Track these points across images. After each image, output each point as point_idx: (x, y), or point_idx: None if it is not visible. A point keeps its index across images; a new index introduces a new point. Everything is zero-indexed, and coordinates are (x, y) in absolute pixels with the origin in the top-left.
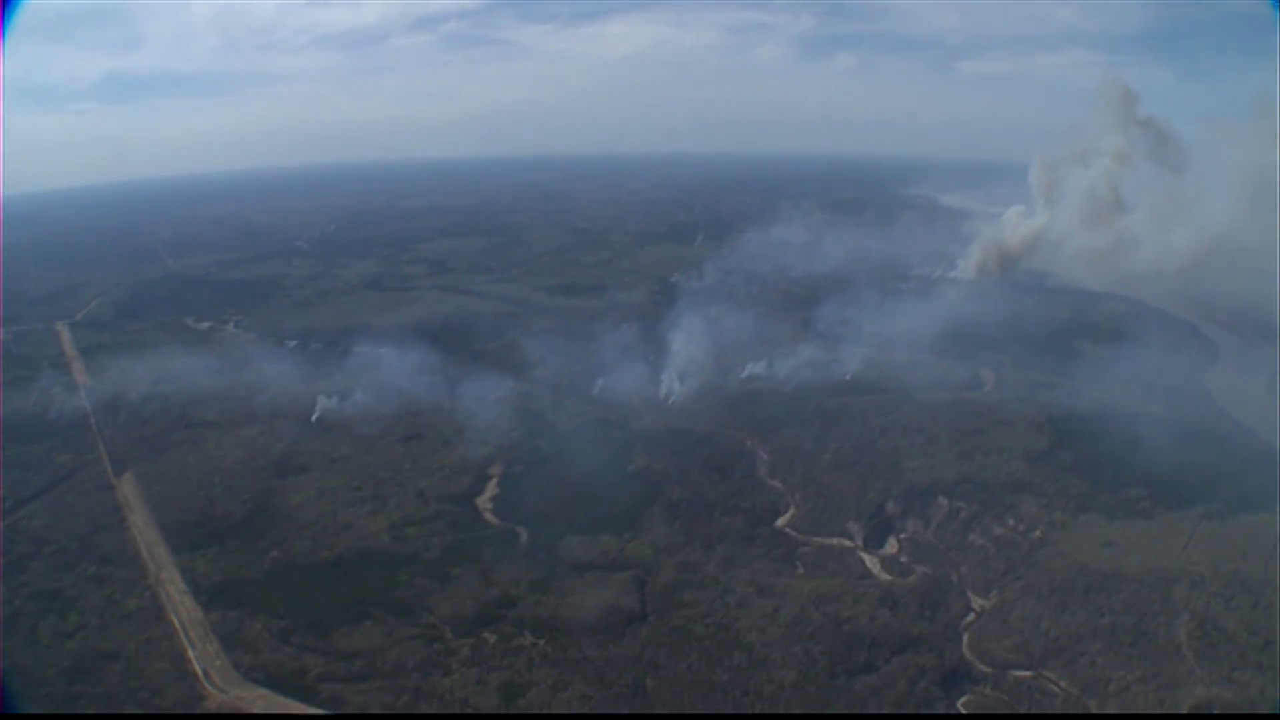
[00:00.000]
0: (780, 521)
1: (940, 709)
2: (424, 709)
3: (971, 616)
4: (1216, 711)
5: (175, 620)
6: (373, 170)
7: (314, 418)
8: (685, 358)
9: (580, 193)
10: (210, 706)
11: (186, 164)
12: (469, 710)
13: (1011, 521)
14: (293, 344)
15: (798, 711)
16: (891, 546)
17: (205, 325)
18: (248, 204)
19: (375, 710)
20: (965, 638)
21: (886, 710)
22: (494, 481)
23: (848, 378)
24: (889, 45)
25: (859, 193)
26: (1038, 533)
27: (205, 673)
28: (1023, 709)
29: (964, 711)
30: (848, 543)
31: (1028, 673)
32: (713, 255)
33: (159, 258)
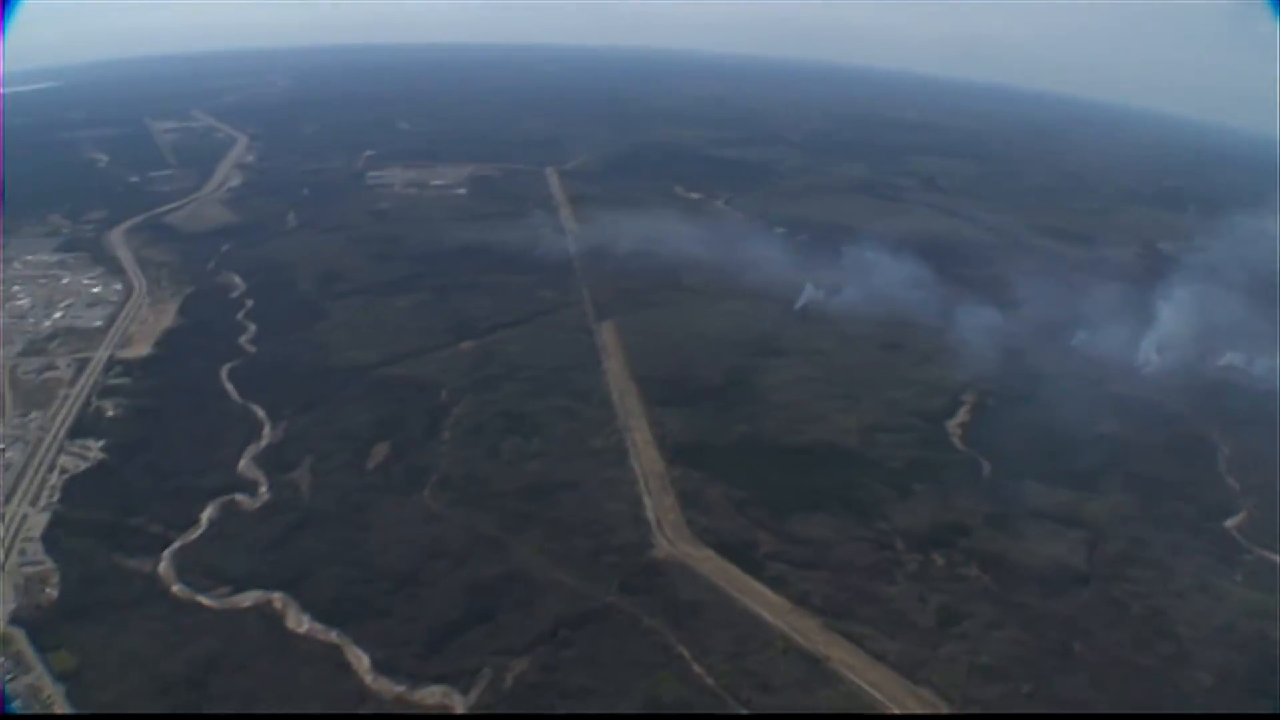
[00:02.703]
0: (1230, 523)
1: None
2: (861, 613)
3: None
4: None
5: (637, 467)
6: (853, 74)
7: (798, 306)
8: (1167, 330)
9: (1073, 136)
10: (658, 556)
11: (668, 39)
12: (908, 623)
13: None
14: (780, 230)
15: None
16: None
17: (695, 196)
18: (735, 88)
19: (816, 602)
20: None
21: None
22: (966, 408)
23: None
24: None
25: None
26: None
27: (658, 522)
28: None
29: None
30: None
31: None
32: (1204, 230)
33: (651, 124)
